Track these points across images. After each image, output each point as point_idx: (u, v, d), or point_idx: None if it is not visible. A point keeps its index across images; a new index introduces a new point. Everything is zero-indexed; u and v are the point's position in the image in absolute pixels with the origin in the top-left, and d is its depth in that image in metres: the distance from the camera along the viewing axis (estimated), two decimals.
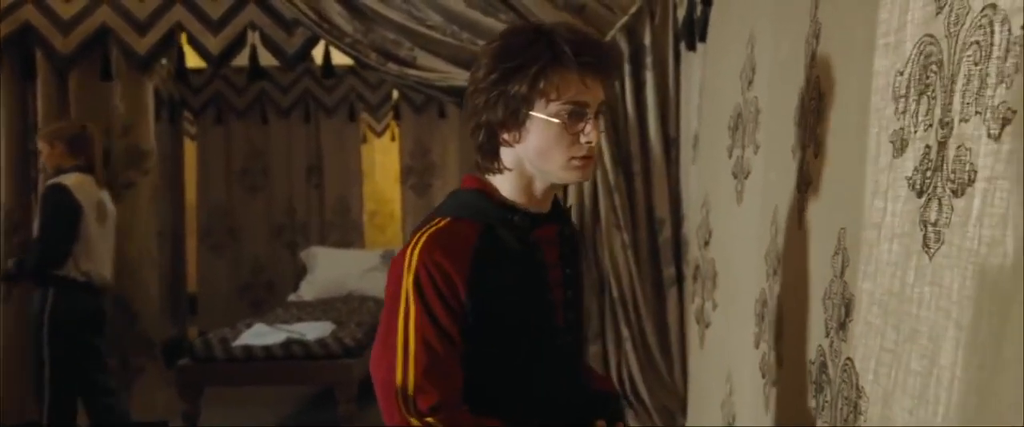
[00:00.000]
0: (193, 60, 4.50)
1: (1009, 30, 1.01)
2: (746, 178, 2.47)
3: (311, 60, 4.95)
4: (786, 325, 2.00)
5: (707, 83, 3.01)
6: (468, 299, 1.51)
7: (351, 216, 7.06)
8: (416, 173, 6.97)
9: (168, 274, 6.31)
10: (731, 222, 2.63)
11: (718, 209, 2.85)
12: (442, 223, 1.57)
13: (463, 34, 4.02)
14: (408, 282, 1.51)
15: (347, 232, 6.99)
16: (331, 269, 6.17)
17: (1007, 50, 1.01)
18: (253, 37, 4.21)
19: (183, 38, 4.21)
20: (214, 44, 4.17)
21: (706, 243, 2.98)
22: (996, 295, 0.99)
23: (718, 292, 2.81)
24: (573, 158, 1.54)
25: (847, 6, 1.63)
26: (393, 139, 7.25)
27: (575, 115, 1.51)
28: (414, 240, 1.55)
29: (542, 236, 1.62)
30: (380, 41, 4.03)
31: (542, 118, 1.51)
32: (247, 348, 4.41)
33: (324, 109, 6.82)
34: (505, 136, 1.56)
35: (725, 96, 2.68)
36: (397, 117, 6.98)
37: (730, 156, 2.60)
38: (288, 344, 4.44)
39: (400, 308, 1.52)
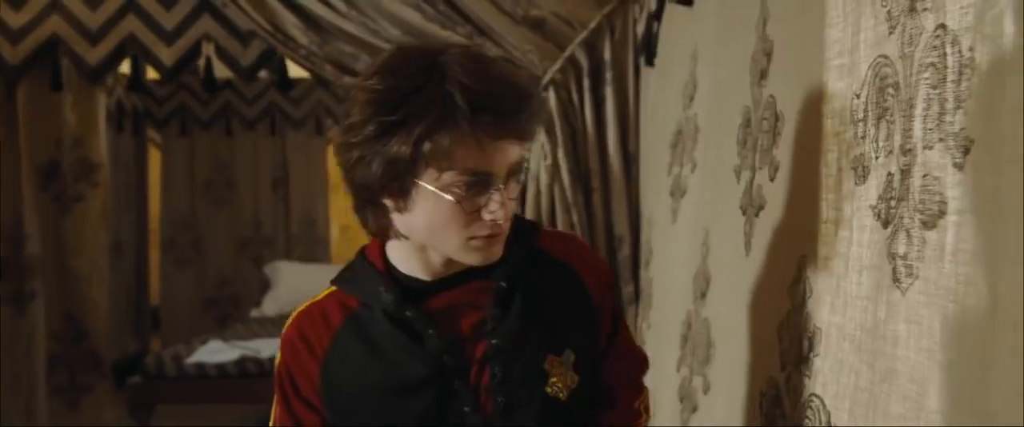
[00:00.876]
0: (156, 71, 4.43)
1: (960, 52, 0.95)
2: (681, 197, 2.42)
3: (276, 72, 4.90)
4: (719, 351, 1.94)
5: (654, 99, 2.96)
6: (323, 393, 1.33)
7: (317, 230, 6.98)
8: None
9: (129, 288, 6.22)
10: (666, 242, 2.58)
11: (657, 228, 2.80)
12: (319, 297, 1.39)
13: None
14: (275, 378, 1.38)
15: (313, 246, 6.91)
16: (295, 284, 6.09)
17: (960, 73, 0.95)
18: (208, 48, 4.13)
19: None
20: (167, 55, 4.09)
21: (647, 263, 2.93)
22: (978, 338, 0.92)
23: (653, 312, 2.76)
24: (472, 238, 1.24)
25: (797, 23, 1.56)
26: None
27: (475, 187, 1.20)
28: (290, 319, 1.39)
29: (449, 302, 1.33)
30: (336, 54, 3.96)
31: (430, 190, 1.19)
32: (200, 365, 4.32)
33: (290, 121, 6.75)
34: (387, 202, 1.24)
35: (668, 113, 2.63)
36: None
37: (669, 174, 2.55)
38: (242, 361, 4.35)
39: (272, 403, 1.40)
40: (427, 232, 1.25)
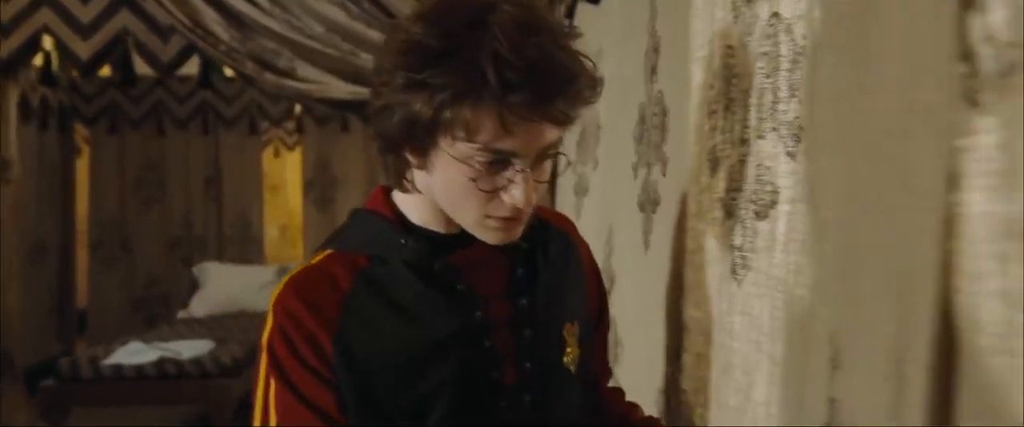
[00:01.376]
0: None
1: (793, 40, 0.95)
2: (585, 195, 2.41)
3: (212, 70, 4.82)
4: (626, 350, 1.94)
5: None
6: (339, 365, 1.16)
7: (251, 231, 6.88)
8: (318, 187, 6.83)
9: (53, 289, 6.07)
10: None
11: None
12: (315, 260, 1.22)
13: (345, 45, 3.91)
14: (264, 351, 1.18)
15: (247, 247, 6.81)
16: (224, 285, 5.99)
17: (793, 62, 0.94)
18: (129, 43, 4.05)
19: (51, 43, 4.02)
20: (83, 49, 4.00)
21: None
22: (804, 328, 0.91)
23: None
24: (489, 217, 1.13)
25: (677, 18, 1.56)
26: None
27: (496, 165, 1.09)
28: (276, 290, 1.21)
29: (467, 260, 1.20)
30: (258, 50, 3.90)
31: (449, 157, 1.09)
32: (117, 367, 4.23)
33: (223, 120, 6.65)
34: (408, 156, 1.15)
35: None
36: (300, 130, 6.85)
37: (574, 172, 2.55)
38: (161, 363, 4.27)
39: (259, 382, 1.20)
40: (444, 199, 1.15)
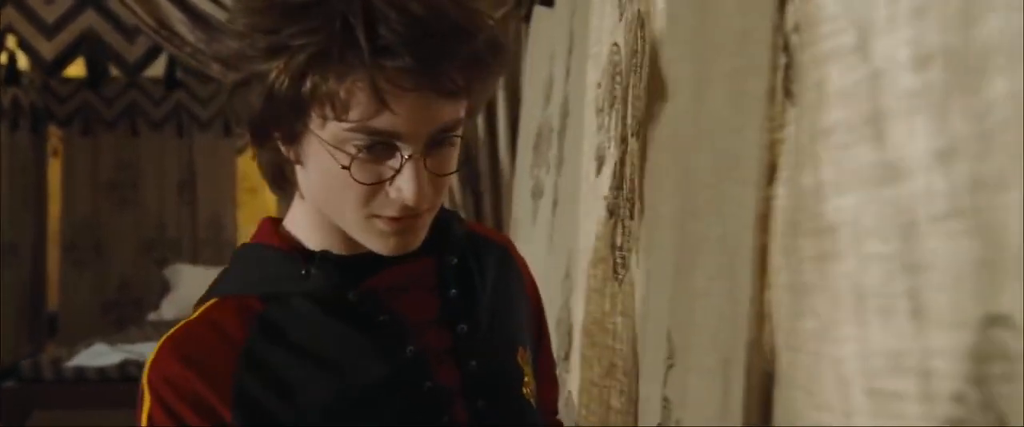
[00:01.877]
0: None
1: (646, 35, 0.95)
2: (540, 198, 2.42)
3: (186, 73, 4.80)
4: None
5: (524, 100, 2.98)
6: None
7: (225, 233, 6.85)
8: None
9: (24, 291, 6.03)
10: (529, 244, 2.58)
11: (522, 229, 2.80)
12: (195, 314, 0.99)
13: None
14: None
15: (221, 250, 6.75)
16: (195, 287, 5.90)
17: (646, 56, 0.95)
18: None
19: (14, 42, 4.01)
20: (48, 49, 3.98)
21: None
22: (644, 327, 0.91)
23: None
24: (375, 216, 0.91)
25: (583, 17, 1.57)
26: None
27: (376, 150, 0.88)
28: (149, 360, 0.97)
29: (387, 283, 0.98)
30: (224, 52, 3.90)
31: (320, 142, 0.88)
32: (79, 369, 4.20)
33: (198, 123, 6.62)
34: (280, 146, 0.92)
35: (532, 114, 2.64)
36: None
37: (531, 176, 2.55)
38: (124, 365, 4.24)
39: None
40: (320, 197, 0.94)
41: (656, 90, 0.88)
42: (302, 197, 0.97)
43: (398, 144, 0.88)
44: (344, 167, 0.88)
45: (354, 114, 0.85)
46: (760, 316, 0.52)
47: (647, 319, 0.86)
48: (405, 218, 0.92)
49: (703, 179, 0.69)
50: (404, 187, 0.89)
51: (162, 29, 3.93)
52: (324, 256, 0.97)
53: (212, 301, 1.00)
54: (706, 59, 0.69)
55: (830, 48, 0.48)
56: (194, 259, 6.64)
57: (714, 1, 0.68)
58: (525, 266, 1.19)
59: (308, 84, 0.84)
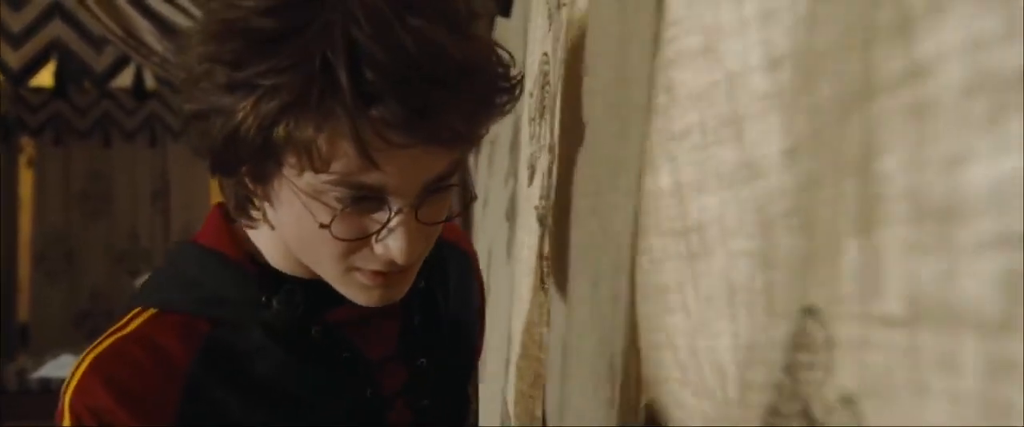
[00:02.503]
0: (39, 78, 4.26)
1: (563, 42, 0.97)
2: (485, 207, 2.44)
3: (160, 83, 4.77)
4: (487, 365, 1.95)
5: None
6: None
7: None
8: None
9: None
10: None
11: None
12: (130, 328, 0.85)
13: None
14: None
15: None
16: None
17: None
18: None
19: None
20: (14, 59, 3.96)
21: None
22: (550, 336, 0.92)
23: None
24: (354, 269, 0.81)
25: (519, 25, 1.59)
26: None
27: (362, 202, 0.76)
28: (68, 378, 0.84)
29: (351, 315, 0.88)
30: (179, 75, 3.90)
31: (294, 190, 0.76)
32: (45, 380, 4.18)
33: (171, 133, 6.60)
34: (247, 182, 0.80)
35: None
36: None
37: (479, 186, 2.57)
38: None
39: None
40: (295, 243, 0.82)
41: (566, 100, 0.90)
42: (272, 227, 0.84)
43: (387, 198, 0.77)
44: (323, 225, 0.75)
45: (336, 167, 0.72)
46: (634, 321, 0.54)
47: (551, 328, 0.87)
48: (391, 273, 0.81)
49: (594, 187, 0.70)
50: (392, 245, 0.78)
51: (130, 39, 3.93)
52: (290, 289, 0.86)
53: (150, 312, 0.86)
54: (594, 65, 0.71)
55: (676, 51, 0.49)
56: None
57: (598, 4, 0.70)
58: (476, 261, 1.14)
59: (280, 130, 0.71)
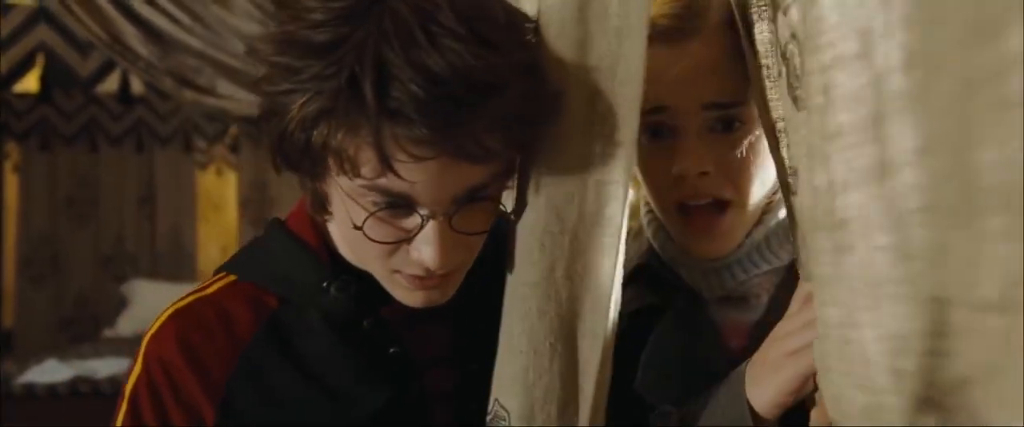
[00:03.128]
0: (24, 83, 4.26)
1: None
2: None
3: (148, 89, 4.78)
4: None
5: None
6: None
7: (184, 249, 6.81)
8: (254, 207, 6.80)
9: None
10: None
11: None
12: (211, 290, 0.95)
13: None
14: (125, 401, 0.91)
15: (179, 265, 6.73)
16: (152, 303, 5.91)
17: None
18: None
19: None
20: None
21: None
22: None
23: None
24: (396, 272, 0.86)
25: None
26: None
27: (396, 209, 0.81)
28: (152, 325, 0.94)
29: (404, 312, 0.92)
30: (178, 67, 3.91)
31: (340, 192, 0.83)
32: (29, 385, 4.16)
33: (158, 139, 6.59)
34: (306, 179, 0.88)
35: None
36: (235, 149, 6.82)
37: None
38: (74, 381, 4.20)
39: None
40: (344, 243, 0.91)
41: None
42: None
43: (417, 206, 0.80)
44: (357, 227, 0.81)
45: (365, 172, 0.78)
46: (574, 313, 0.56)
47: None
48: (431, 278, 0.85)
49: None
50: (424, 251, 0.82)
51: (115, 44, 3.94)
52: (346, 279, 0.93)
53: (230, 278, 0.96)
54: None
55: (833, 56, 0.51)
56: (153, 275, 6.59)
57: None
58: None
59: (318, 134, 0.77)
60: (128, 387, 0.92)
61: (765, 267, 1.11)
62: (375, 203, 0.80)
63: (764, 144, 1.02)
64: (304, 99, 0.76)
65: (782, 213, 1.12)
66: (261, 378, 0.91)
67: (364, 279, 0.92)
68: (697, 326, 1.10)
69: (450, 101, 0.73)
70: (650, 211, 1.16)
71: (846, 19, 0.50)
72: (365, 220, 0.81)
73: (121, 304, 6.23)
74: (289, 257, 0.96)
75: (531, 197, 0.86)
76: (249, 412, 0.90)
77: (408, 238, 0.82)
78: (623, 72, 0.81)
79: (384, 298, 0.92)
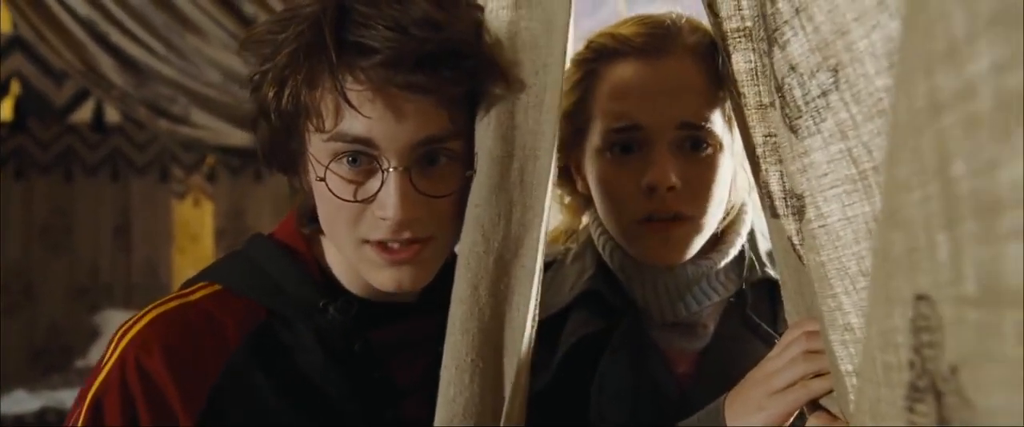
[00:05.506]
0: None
1: None
2: None
3: (125, 118, 4.77)
4: None
5: None
6: None
7: (159, 280, 6.77)
8: (230, 237, 6.77)
9: None
10: None
11: None
12: (196, 296, 0.93)
13: (242, 93, 3.95)
14: (85, 405, 0.89)
15: (155, 296, 6.55)
16: None
17: None
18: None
19: None
20: None
21: None
22: None
23: None
24: (367, 242, 0.87)
25: None
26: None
27: (358, 164, 0.85)
28: (127, 324, 0.92)
29: (393, 338, 0.95)
30: (152, 96, 3.92)
31: (314, 162, 0.87)
32: None
33: (134, 168, 6.57)
34: (300, 177, 0.94)
35: None
36: (211, 178, 6.81)
37: None
38: (43, 413, 4.17)
39: None
40: (323, 223, 0.91)
41: None
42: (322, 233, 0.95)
43: (376, 155, 0.84)
44: (320, 179, 0.85)
45: (328, 122, 0.83)
46: (497, 330, 0.58)
47: None
48: (399, 249, 0.87)
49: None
50: (386, 202, 0.84)
51: (90, 72, 3.95)
52: (348, 300, 0.94)
53: (215, 287, 0.95)
54: None
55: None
56: (127, 305, 6.54)
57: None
58: None
59: (287, 94, 0.83)
60: (95, 383, 0.89)
61: (715, 298, 1.13)
62: (338, 154, 0.84)
63: (725, 167, 1.06)
64: (275, 69, 0.84)
65: (736, 249, 1.15)
66: (245, 389, 0.90)
67: (362, 303, 0.94)
68: (644, 350, 1.12)
69: (401, 33, 0.80)
70: (604, 232, 1.18)
71: (825, 55, 0.56)
72: (327, 166, 0.84)
73: (94, 335, 6.18)
74: (279, 269, 0.95)
75: (467, 217, 0.88)
76: (230, 422, 0.89)
77: (371, 196, 0.84)
78: (550, 100, 0.84)
79: (376, 323, 0.94)
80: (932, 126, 0.39)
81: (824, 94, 0.63)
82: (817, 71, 0.63)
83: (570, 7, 0.84)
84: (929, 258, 0.40)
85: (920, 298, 0.42)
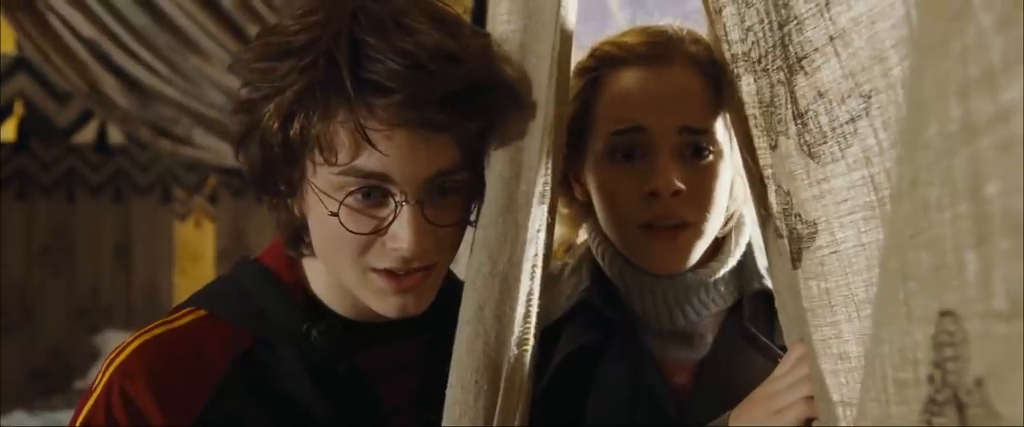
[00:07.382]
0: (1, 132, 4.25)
1: None
2: None
3: (128, 138, 4.78)
4: None
5: None
6: None
7: (160, 301, 6.76)
8: (232, 258, 6.77)
9: None
10: None
11: None
12: (181, 322, 0.95)
13: None
14: (77, 423, 0.89)
15: (155, 318, 6.52)
16: None
17: None
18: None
19: None
20: None
21: None
22: None
23: None
24: (372, 271, 0.87)
25: None
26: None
27: (370, 198, 0.85)
28: (116, 350, 0.93)
29: (379, 361, 0.96)
30: (155, 117, 3.93)
31: (315, 191, 0.85)
32: None
33: (136, 189, 6.58)
34: (288, 201, 0.92)
35: None
36: (213, 200, 6.82)
37: None
38: None
39: None
40: (321, 250, 0.90)
41: None
42: (316, 257, 0.94)
43: (391, 189, 0.84)
44: (332, 213, 0.83)
45: (342, 156, 0.82)
46: (501, 352, 0.59)
47: None
48: (405, 277, 0.87)
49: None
50: (400, 234, 0.84)
51: (93, 93, 3.95)
52: (331, 323, 0.94)
53: (201, 313, 0.96)
54: None
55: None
56: (127, 326, 6.53)
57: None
58: None
59: (296, 126, 0.82)
60: (83, 411, 0.90)
61: (714, 308, 1.14)
62: (351, 191, 0.83)
63: (725, 174, 1.07)
64: (282, 96, 0.82)
65: (735, 258, 1.15)
66: (233, 414, 0.90)
67: (346, 324, 0.94)
68: (640, 360, 1.12)
69: (420, 70, 0.79)
70: (603, 241, 1.19)
71: (859, 81, 0.59)
72: (342, 201, 0.82)
73: (94, 356, 6.16)
74: (264, 295, 0.96)
75: (475, 239, 0.88)
76: None
77: (383, 228, 0.84)
78: (556, 120, 0.84)
79: (361, 345, 0.94)
80: (966, 148, 0.40)
81: (852, 120, 0.64)
82: (848, 97, 0.64)
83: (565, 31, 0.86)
84: (957, 275, 0.41)
85: (945, 314, 0.43)
